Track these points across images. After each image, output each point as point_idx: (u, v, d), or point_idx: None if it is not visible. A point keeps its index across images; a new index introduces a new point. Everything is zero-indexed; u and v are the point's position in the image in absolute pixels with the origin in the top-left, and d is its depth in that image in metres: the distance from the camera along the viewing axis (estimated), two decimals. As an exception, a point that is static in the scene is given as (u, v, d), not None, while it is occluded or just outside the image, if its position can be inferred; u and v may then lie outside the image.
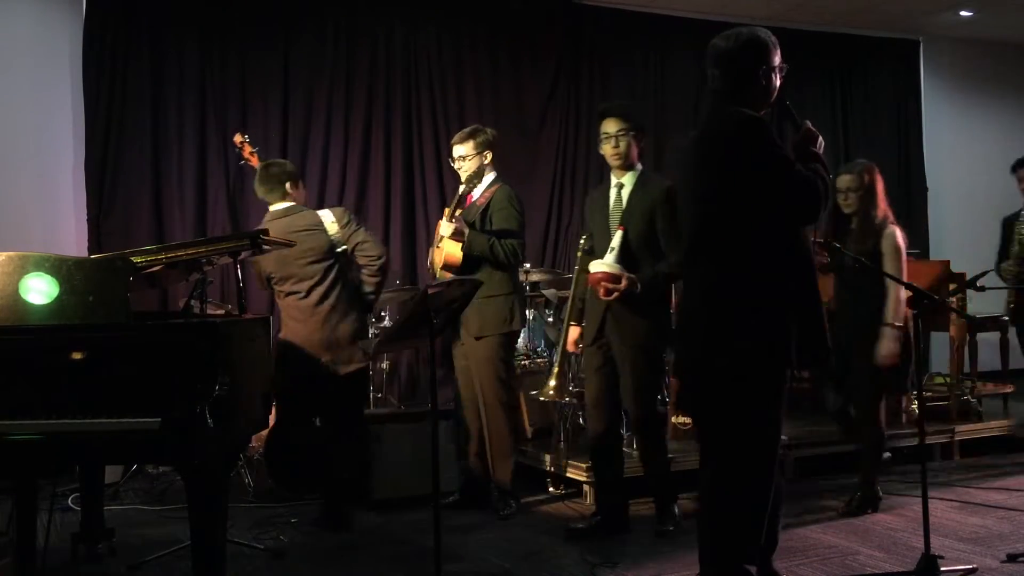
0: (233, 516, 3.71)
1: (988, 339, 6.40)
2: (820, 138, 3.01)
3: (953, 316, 5.61)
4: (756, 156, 2.82)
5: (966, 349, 6.00)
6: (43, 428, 2.74)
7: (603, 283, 3.85)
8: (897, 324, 4.14)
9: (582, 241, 4.21)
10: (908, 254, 6.40)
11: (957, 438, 5.47)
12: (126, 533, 4.11)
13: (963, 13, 7.94)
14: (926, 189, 8.50)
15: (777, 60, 2.96)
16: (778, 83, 2.98)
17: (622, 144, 4.00)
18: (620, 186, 4.07)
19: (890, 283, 4.11)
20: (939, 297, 4.76)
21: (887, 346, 4.15)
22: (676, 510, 4.11)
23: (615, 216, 4.04)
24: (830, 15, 7.83)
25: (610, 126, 4.02)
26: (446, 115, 6.89)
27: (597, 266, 3.90)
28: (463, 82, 6.99)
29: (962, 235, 8.10)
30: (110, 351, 2.85)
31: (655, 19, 7.56)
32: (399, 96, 6.77)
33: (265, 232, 3.53)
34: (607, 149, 4.05)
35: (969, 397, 5.71)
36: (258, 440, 4.82)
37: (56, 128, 6.01)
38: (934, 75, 8.70)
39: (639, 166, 4.09)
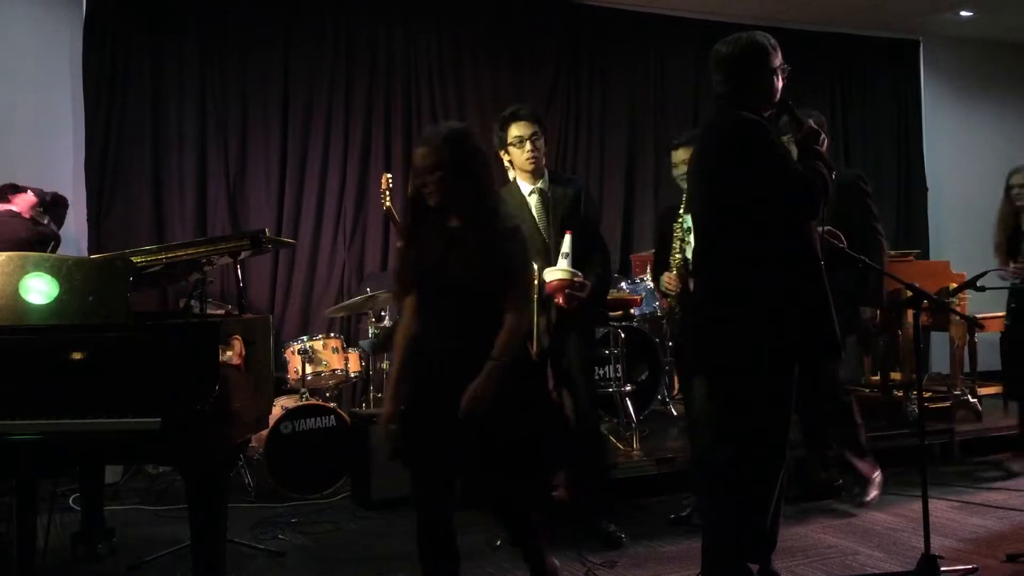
0: (233, 516, 3.70)
1: (988, 339, 6.39)
2: (823, 136, 3.04)
3: (953, 316, 5.61)
4: (751, 156, 2.88)
5: (966, 349, 6.00)
6: (43, 428, 2.74)
7: (566, 291, 3.66)
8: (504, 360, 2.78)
9: None
10: (908, 254, 6.38)
11: (957, 438, 5.47)
12: (126, 533, 4.11)
13: (963, 13, 7.94)
14: (926, 189, 8.50)
15: (778, 62, 3.02)
16: (780, 85, 3.02)
17: (539, 145, 3.85)
18: (540, 191, 3.89)
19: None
20: (938, 297, 4.75)
21: (482, 386, 2.72)
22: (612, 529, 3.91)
23: (544, 223, 3.87)
24: (830, 15, 7.83)
25: (523, 128, 3.83)
26: (446, 115, 6.87)
27: (554, 273, 3.67)
28: (463, 83, 6.99)
29: (962, 235, 8.09)
30: (110, 351, 2.85)
31: (655, 19, 7.56)
32: (399, 96, 6.77)
33: (263, 232, 3.54)
34: (523, 153, 3.82)
35: (969, 397, 5.71)
36: (258, 440, 4.83)
37: (56, 128, 6.01)
38: (934, 75, 8.70)
39: (545, 169, 3.96)
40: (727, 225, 2.95)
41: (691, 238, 3.93)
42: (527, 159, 3.84)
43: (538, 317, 3.85)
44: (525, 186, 3.92)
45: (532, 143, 3.83)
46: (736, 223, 2.92)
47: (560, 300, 3.70)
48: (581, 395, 3.86)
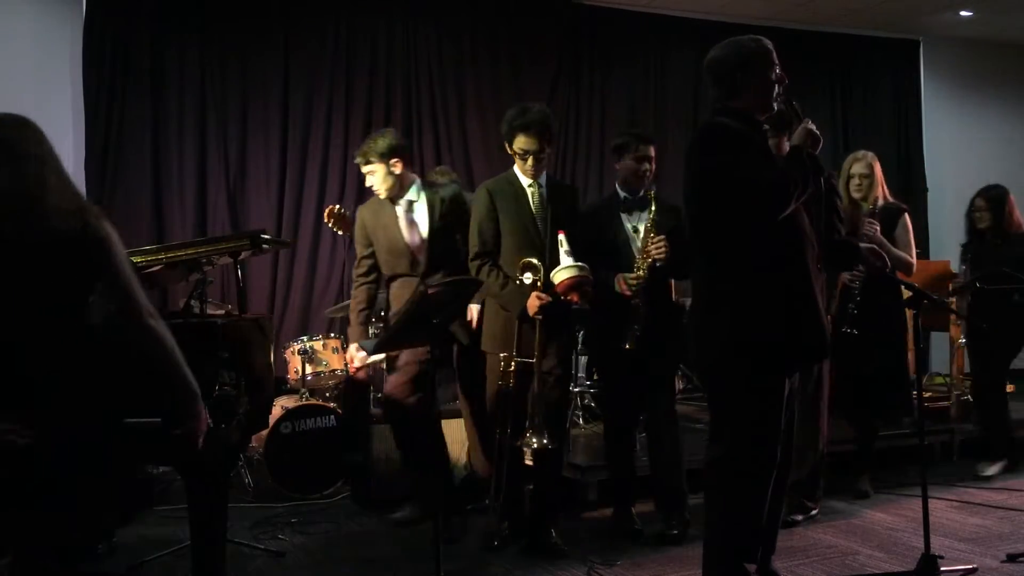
0: (233, 516, 3.70)
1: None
2: (818, 138, 3.03)
3: (953, 316, 5.61)
4: (712, 161, 2.89)
5: (966, 349, 6.00)
6: (43, 428, 2.73)
7: (583, 287, 3.61)
8: None
9: (482, 266, 3.78)
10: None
11: (957, 438, 5.47)
12: (126, 533, 4.11)
13: (963, 13, 7.95)
14: (926, 189, 8.50)
15: (772, 66, 2.99)
16: (778, 89, 3.01)
17: (542, 158, 3.81)
18: (539, 187, 3.87)
19: None
20: (939, 297, 4.75)
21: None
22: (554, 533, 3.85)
23: (540, 214, 3.82)
24: (830, 15, 7.83)
25: (530, 144, 3.74)
26: (446, 115, 6.90)
27: (565, 272, 3.59)
28: (463, 82, 7.00)
29: (962, 235, 8.07)
30: (110, 351, 2.84)
31: (655, 19, 7.57)
32: (399, 95, 6.78)
33: (263, 232, 3.54)
34: (525, 166, 3.78)
35: (969, 397, 5.71)
36: (258, 440, 4.82)
37: (56, 128, 5.97)
38: (934, 75, 8.70)
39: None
40: (705, 229, 2.97)
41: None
42: (528, 171, 3.82)
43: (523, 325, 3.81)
44: (523, 178, 3.91)
45: (535, 158, 3.77)
46: (711, 227, 2.94)
47: (575, 298, 3.66)
48: (552, 404, 3.79)
